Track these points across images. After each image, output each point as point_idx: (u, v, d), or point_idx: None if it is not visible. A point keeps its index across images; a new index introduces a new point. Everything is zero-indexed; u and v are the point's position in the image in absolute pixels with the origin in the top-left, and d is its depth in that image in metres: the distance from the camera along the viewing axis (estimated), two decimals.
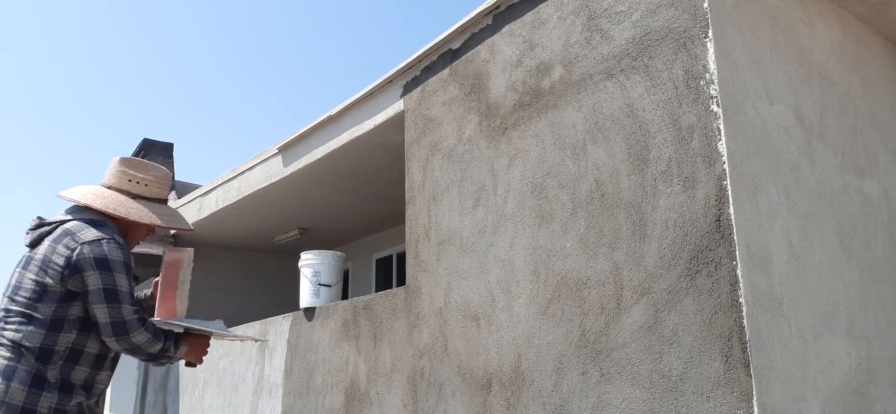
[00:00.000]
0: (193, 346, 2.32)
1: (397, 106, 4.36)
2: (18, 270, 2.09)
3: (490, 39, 3.65)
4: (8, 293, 2.07)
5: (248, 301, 8.26)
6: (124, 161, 2.35)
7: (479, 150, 3.59)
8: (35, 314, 1.99)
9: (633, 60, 2.84)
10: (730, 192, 2.40)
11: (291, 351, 4.97)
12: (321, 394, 4.51)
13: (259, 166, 6.06)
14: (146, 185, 2.33)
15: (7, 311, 2.03)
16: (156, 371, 7.50)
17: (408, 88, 4.27)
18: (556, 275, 3.00)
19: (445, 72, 3.96)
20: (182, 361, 2.95)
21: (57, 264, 2.01)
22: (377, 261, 8.36)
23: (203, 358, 2.36)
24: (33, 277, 2.02)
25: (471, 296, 3.45)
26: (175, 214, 2.43)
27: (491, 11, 3.66)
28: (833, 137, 3.07)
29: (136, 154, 8.42)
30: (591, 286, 2.84)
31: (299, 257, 5.04)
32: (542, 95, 3.26)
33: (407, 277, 3.96)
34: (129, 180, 2.31)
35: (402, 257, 7.94)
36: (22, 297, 2.02)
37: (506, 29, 3.56)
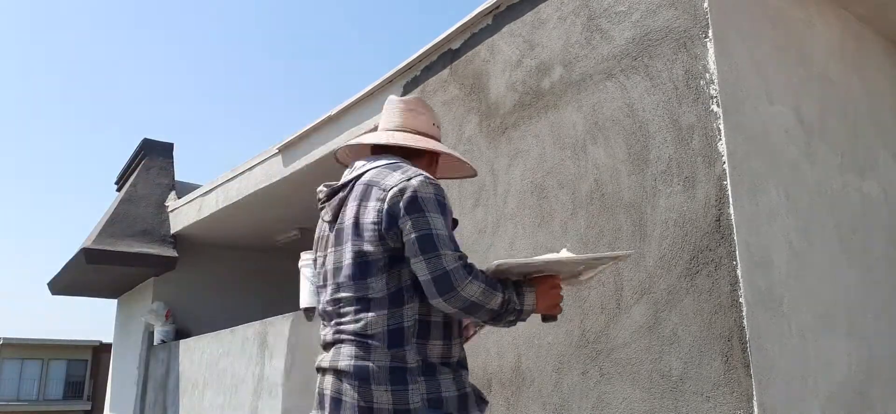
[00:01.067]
0: (542, 290, 1.76)
1: None
2: (331, 249, 1.76)
3: (490, 39, 3.65)
4: (332, 280, 1.73)
5: (247, 301, 8.26)
6: (419, 102, 2.03)
7: (479, 150, 3.59)
8: (370, 294, 1.64)
9: (633, 60, 2.84)
10: (730, 192, 2.40)
11: (291, 351, 4.97)
12: None
13: (259, 166, 6.06)
14: (439, 128, 2.02)
15: (337, 300, 1.71)
16: (155, 371, 7.50)
17: (408, 88, 4.27)
18: None
19: (445, 72, 3.96)
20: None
21: (371, 223, 1.66)
22: None
23: (559, 306, 1.81)
24: (352, 248, 1.68)
25: None
26: (464, 160, 2.09)
27: (491, 11, 3.66)
28: (833, 137, 3.07)
29: (136, 154, 8.42)
30: (591, 286, 2.84)
31: (299, 257, 5.04)
32: (542, 95, 3.26)
33: None
34: (434, 124, 1.98)
35: None
36: (347, 277, 1.68)
37: (506, 29, 3.56)
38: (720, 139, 2.46)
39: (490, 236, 3.41)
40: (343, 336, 1.66)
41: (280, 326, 5.20)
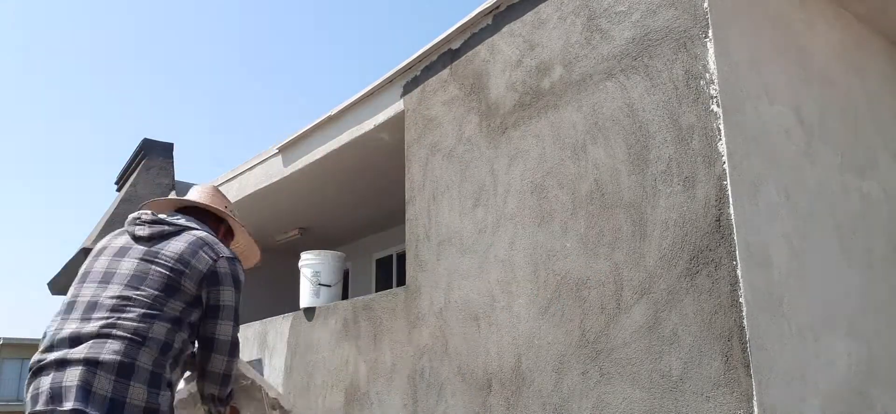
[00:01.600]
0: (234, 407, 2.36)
1: (397, 106, 4.36)
2: (134, 259, 2.03)
3: (490, 39, 3.65)
4: (122, 282, 1.98)
5: (247, 301, 8.24)
6: (215, 189, 2.47)
7: (479, 150, 3.59)
8: (163, 309, 1.95)
9: (633, 60, 2.84)
10: (730, 192, 2.40)
11: (291, 351, 4.97)
12: (321, 394, 4.51)
13: (259, 166, 6.06)
14: (234, 217, 2.45)
15: (126, 299, 1.94)
16: None
17: (408, 88, 4.27)
18: (556, 275, 3.00)
19: (445, 72, 3.96)
20: None
21: (197, 270, 2.03)
22: (377, 261, 8.36)
23: None
24: (164, 271, 1.99)
25: (471, 296, 3.45)
26: (254, 244, 2.68)
27: (491, 11, 3.66)
28: (833, 137, 3.07)
29: (136, 154, 8.42)
30: (591, 286, 2.84)
31: (299, 257, 5.04)
32: (542, 95, 3.26)
33: (407, 277, 3.96)
34: (225, 207, 2.42)
35: (402, 257, 7.93)
36: (148, 288, 1.97)
37: (506, 29, 3.56)
38: (720, 139, 2.46)
39: (490, 236, 3.41)
40: (116, 332, 1.88)
41: (280, 326, 5.20)
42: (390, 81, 4.43)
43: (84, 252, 7.02)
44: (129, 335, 1.87)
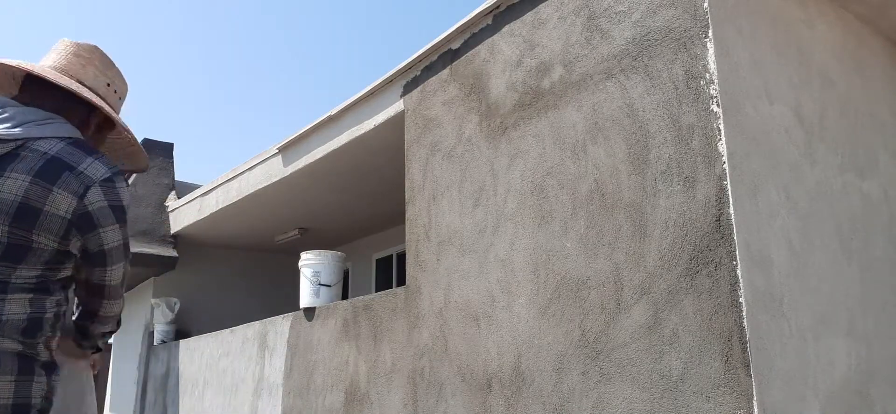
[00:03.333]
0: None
1: (397, 106, 4.36)
2: None
3: (490, 39, 3.65)
4: None
5: (247, 301, 8.26)
6: (92, 49, 1.67)
7: (479, 150, 3.59)
8: (13, 280, 1.41)
9: (633, 60, 2.84)
10: (730, 192, 2.40)
11: (291, 351, 4.97)
12: (321, 394, 4.51)
13: (259, 166, 6.06)
14: (120, 98, 1.69)
15: None
16: (155, 371, 7.50)
17: (408, 88, 4.27)
18: (556, 275, 3.00)
19: (445, 72, 3.96)
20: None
21: (56, 217, 1.42)
22: (377, 261, 8.36)
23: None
24: (4, 228, 1.39)
25: (471, 296, 3.45)
26: (135, 144, 1.78)
27: (491, 11, 3.66)
28: (833, 137, 3.07)
29: None
30: (591, 286, 2.84)
31: (299, 257, 5.04)
32: (542, 95, 3.26)
33: (407, 277, 3.96)
34: (108, 85, 1.66)
35: (402, 257, 7.93)
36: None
37: (506, 29, 3.56)
38: (720, 139, 2.46)
39: (490, 236, 3.41)
40: None
41: (280, 326, 5.20)
42: (390, 81, 4.43)
43: None
44: None
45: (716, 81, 2.50)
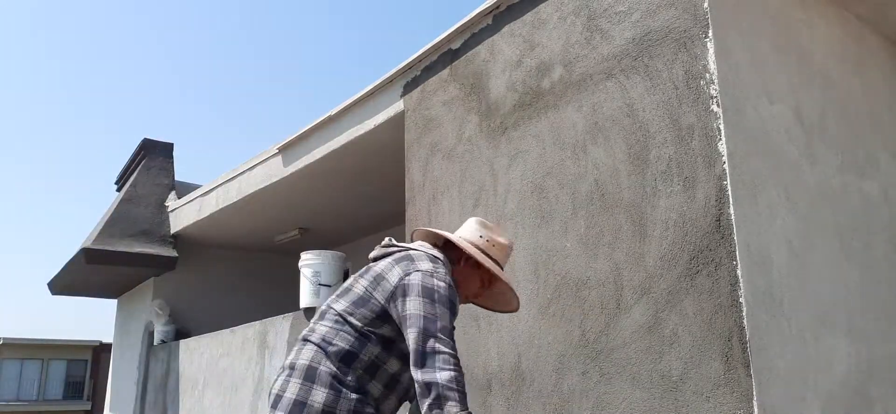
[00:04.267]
0: None
1: (397, 106, 4.36)
2: (355, 277, 2.17)
3: (490, 39, 3.65)
4: (337, 292, 2.15)
5: (248, 301, 8.26)
6: (479, 220, 2.40)
7: (479, 150, 3.59)
8: (351, 319, 2.05)
9: (633, 60, 2.84)
10: (730, 193, 2.40)
11: (291, 351, 4.96)
12: None
13: (259, 166, 6.06)
14: (493, 245, 2.32)
15: (328, 307, 2.12)
16: (155, 371, 7.51)
17: (408, 88, 4.27)
18: (556, 275, 3.00)
19: (445, 72, 3.96)
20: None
21: (389, 282, 2.06)
22: None
23: None
24: (365, 284, 2.09)
25: None
26: (509, 290, 2.38)
27: (491, 11, 3.66)
28: (833, 137, 3.07)
29: (136, 154, 8.40)
30: (591, 286, 2.84)
31: (299, 257, 5.04)
32: (542, 95, 3.26)
33: None
34: (480, 236, 2.33)
35: None
36: (347, 300, 2.09)
37: (506, 29, 3.56)
38: (720, 139, 2.46)
39: None
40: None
41: (280, 326, 5.20)
42: (390, 81, 4.43)
43: (84, 252, 7.02)
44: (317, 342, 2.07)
45: (716, 82, 2.50)
